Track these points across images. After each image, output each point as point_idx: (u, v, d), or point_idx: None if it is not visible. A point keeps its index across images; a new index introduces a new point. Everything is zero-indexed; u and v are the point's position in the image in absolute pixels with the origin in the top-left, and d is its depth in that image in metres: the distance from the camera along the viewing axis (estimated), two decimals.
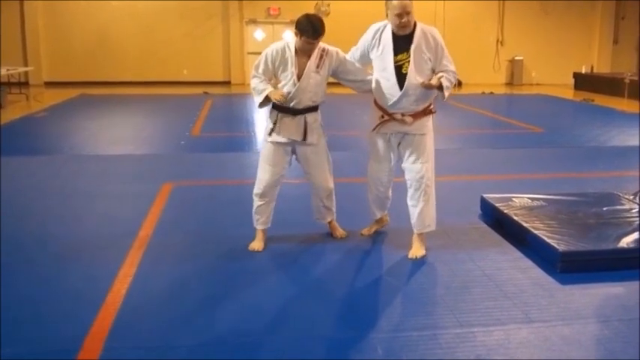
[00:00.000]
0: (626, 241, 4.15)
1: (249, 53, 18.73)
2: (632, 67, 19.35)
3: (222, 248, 4.36)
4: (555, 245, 4.03)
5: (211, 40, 18.59)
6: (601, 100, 14.97)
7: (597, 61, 20.33)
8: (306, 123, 4.21)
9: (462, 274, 3.96)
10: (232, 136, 9.63)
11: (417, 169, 4.17)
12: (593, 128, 10.72)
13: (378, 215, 4.60)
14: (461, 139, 9.07)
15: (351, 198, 5.04)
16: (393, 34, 4.04)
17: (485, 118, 12.48)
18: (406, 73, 4.00)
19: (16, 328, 3.16)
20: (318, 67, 4.15)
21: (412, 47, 3.99)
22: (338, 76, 4.34)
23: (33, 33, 17.58)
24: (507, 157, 8.05)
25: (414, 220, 4.26)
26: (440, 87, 3.97)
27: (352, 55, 4.33)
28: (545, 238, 4.16)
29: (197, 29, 18.31)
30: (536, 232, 4.29)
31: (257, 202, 4.34)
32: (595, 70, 19.46)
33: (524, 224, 4.46)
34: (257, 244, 4.33)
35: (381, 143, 4.29)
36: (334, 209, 4.53)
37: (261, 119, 10.97)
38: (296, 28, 4.05)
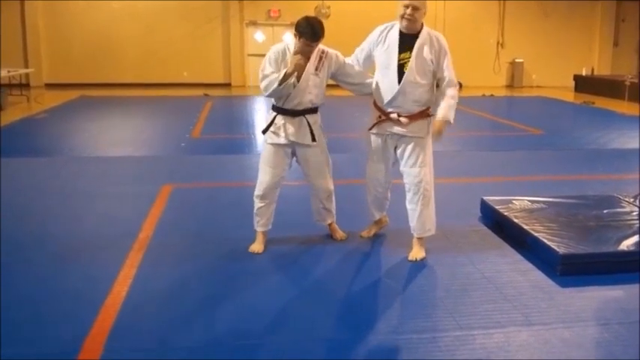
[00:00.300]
0: (627, 244, 4.15)
1: (249, 55, 18.74)
2: (632, 69, 19.34)
3: (222, 250, 4.36)
4: (555, 248, 4.03)
5: (211, 42, 18.60)
6: (601, 103, 14.98)
7: (597, 63, 20.33)
8: (309, 125, 4.22)
9: (461, 276, 3.96)
10: (232, 138, 9.63)
11: (415, 172, 4.17)
12: (593, 131, 10.72)
13: (377, 216, 4.60)
14: (460, 142, 9.07)
15: (350, 200, 5.04)
16: (400, 33, 4.06)
17: (485, 120, 12.49)
18: (406, 72, 4.03)
19: (16, 329, 3.17)
20: (317, 69, 4.16)
21: (415, 46, 4.01)
22: (337, 79, 4.35)
23: (34, 35, 17.59)
24: (507, 159, 8.05)
25: (413, 223, 4.26)
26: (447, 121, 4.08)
27: (356, 56, 4.34)
28: (546, 241, 4.16)
29: (197, 31, 18.32)
30: (536, 234, 4.29)
31: (257, 203, 4.35)
32: (595, 73, 19.46)
33: (525, 227, 4.46)
34: (257, 247, 4.33)
35: (378, 144, 4.30)
36: (334, 211, 4.53)
37: (261, 121, 10.97)
38: (296, 30, 4.06)
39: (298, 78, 4.08)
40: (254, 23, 18.87)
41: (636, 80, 15.49)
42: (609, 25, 20.51)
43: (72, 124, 10.87)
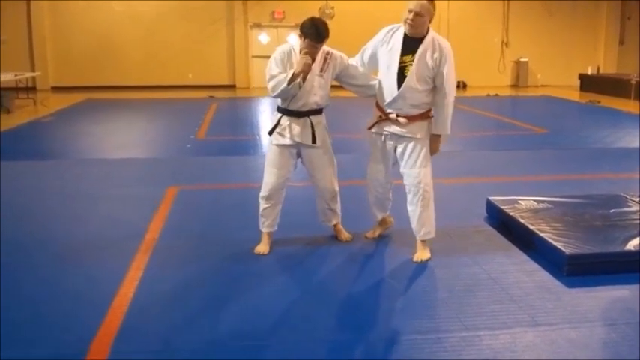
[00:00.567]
0: (633, 244, 4.13)
1: (253, 57, 18.77)
2: (638, 67, 19.28)
3: (227, 251, 4.37)
4: (562, 248, 4.02)
5: (216, 44, 18.63)
6: (607, 102, 14.93)
7: (603, 62, 20.27)
8: (312, 126, 4.22)
9: (467, 277, 3.95)
10: (237, 140, 9.64)
11: (415, 174, 4.17)
12: (599, 130, 10.69)
13: (379, 217, 4.60)
14: (465, 142, 9.06)
15: (355, 201, 5.03)
16: (405, 36, 4.06)
17: (489, 120, 12.47)
18: (407, 76, 4.02)
19: (23, 331, 3.18)
20: (321, 70, 4.17)
21: (418, 51, 4.01)
22: (341, 80, 4.36)
23: (40, 38, 17.66)
24: (512, 159, 8.03)
25: (414, 225, 4.26)
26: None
27: (361, 56, 4.34)
28: (552, 241, 4.14)
29: (201, 33, 18.34)
30: (542, 234, 4.28)
31: (263, 204, 4.35)
32: (601, 71, 19.40)
33: (530, 227, 4.45)
34: (262, 247, 4.33)
35: (377, 144, 4.31)
36: (339, 212, 4.53)
37: (266, 122, 10.98)
38: (300, 31, 4.06)
39: (303, 79, 4.08)
40: (258, 25, 18.89)
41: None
42: (615, 23, 20.44)
43: (78, 127, 10.91)
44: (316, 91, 4.18)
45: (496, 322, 3.32)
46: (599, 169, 7.35)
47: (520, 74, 20.01)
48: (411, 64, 4.01)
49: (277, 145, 4.27)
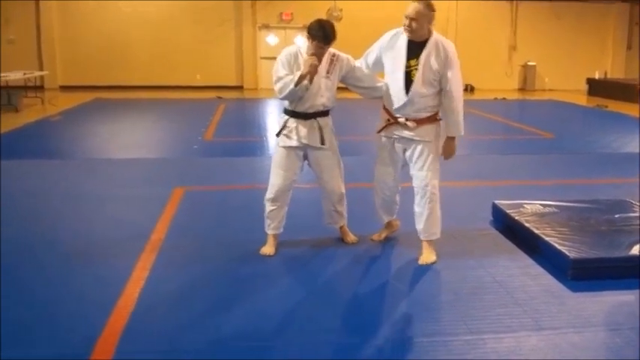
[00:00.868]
0: (638, 249, 4.12)
1: (261, 58, 18.80)
2: None
3: (233, 252, 4.38)
4: (566, 252, 4.02)
5: (224, 45, 18.68)
6: (614, 106, 14.89)
7: (611, 66, 20.23)
8: (320, 127, 4.24)
9: (472, 280, 3.96)
10: (245, 141, 9.66)
11: (422, 176, 4.18)
12: (606, 134, 10.66)
13: (386, 219, 4.61)
14: (471, 145, 9.05)
15: (362, 203, 5.04)
16: (408, 40, 4.07)
17: (496, 123, 12.45)
18: (414, 80, 4.03)
19: (28, 331, 3.20)
20: (328, 72, 4.19)
21: (422, 55, 4.01)
22: (347, 82, 4.37)
23: (48, 38, 17.76)
24: (519, 163, 8.02)
25: (419, 226, 4.28)
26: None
27: (365, 59, 4.35)
28: (557, 245, 4.15)
29: (210, 34, 18.40)
30: (547, 238, 4.28)
31: (269, 206, 4.36)
32: (608, 76, 19.35)
33: (536, 231, 4.45)
34: (268, 249, 4.35)
35: (386, 147, 4.32)
36: (345, 214, 4.54)
37: (273, 124, 11.01)
38: (308, 32, 4.08)
39: (310, 80, 4.10)
40: (266, 26, 18.93)
41: None
42: (622, 28, 20.40)
43: (85, 127, 10.96)
44: (323, 93, 4.20)
45: (501, 325, 3.33)
46: (606, 173, 7.34)
47: (527, 78, 19.99)
48: (417, 69, 4.02)
49: (284, 147, 4.29)
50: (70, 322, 3.31)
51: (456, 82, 4.06)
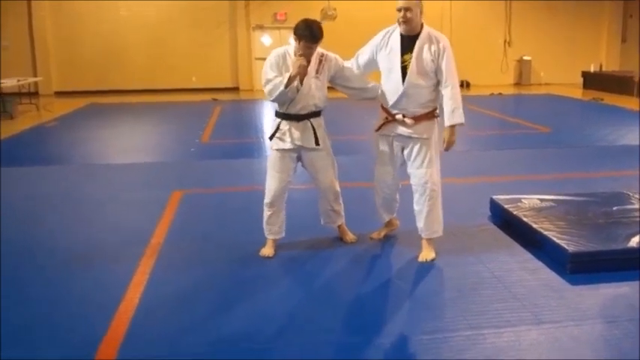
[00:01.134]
0: (636, 241, 4.14)
1: (256, 59, 18.78)
2: None
3: (232, 254, 4.39)
4: (565, 246, 4.04)
5: (219, 47, 18.66)
6: (610, 99, 14.91)
7: (606, 59, 20.24)
8: (314, 128, 4.25)
9: (471, 276, 3.97)
10: (242, 143, 9.66)
11: (421, 174, 4.19)
12: (602, 127, 10.68)
13: (386, 218, 4.62)
14: (469, 141, 9.06)
15: (360, 202, 5.06)
16: (401, 36, 4.08)
17: (493, 118, 12.46)
18: (408, 72, 4.05)
19: (29, 335, 3.21)
20: (317, 72, 4.18)
21: (415, 48, 4.04)
22: (335, 82, 4.36)
23: (42, 43, 17.71)
24: (516, 157, 8.04)
25: (420, 225, 4.28)
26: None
27: (356, 59, 4.35)
28: (555, 239, 4.16)
29: (205, 36, 18.38)
30: (545, 233, 4.30)
31: (267, 212, 4.36)
32: (604, 69, 19.37)
33: (534, 225, 4.46)
34: (268, 251, 4.35)
35: (384, 146, 4.33)
36: (343, 212, 4.55)
37: (270, 124, 11.00)
38: (295, 33, 4.08)
39: (301, 81, 4.10)
40: (261, 27, 18.92)
41: None
42: (617, 21, 20.41)
43: (82, 132, 10.95)
44: (314, 93, 4.19)
45: (500, 320, 3.35)
46: (603, 166, 7.36)
47: (523, 73, 20.00)
48: (410, 63, 4.04)
49: (278, 150, 4.28)
50: (71, 326, 3.32)
51: (451, 71, 4.07)
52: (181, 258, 4.36)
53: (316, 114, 4.29)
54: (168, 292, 3.77)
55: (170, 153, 9.03)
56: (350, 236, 4.60)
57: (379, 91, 4.29)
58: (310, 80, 4.15)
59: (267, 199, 4.35)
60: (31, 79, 15.73)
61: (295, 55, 4.11)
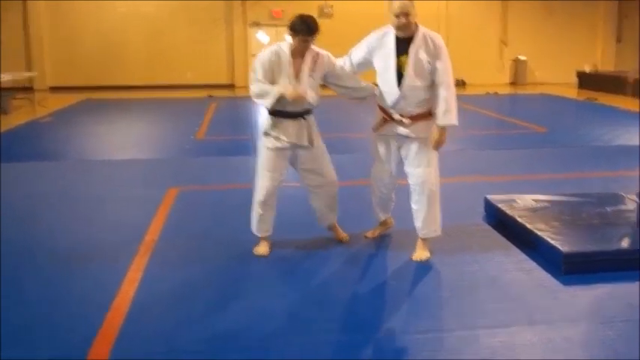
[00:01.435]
0: (630, 242, 4.16)
1: (253, 56, 18.74)
2: (635, 65, 19.29)
3: (228, 252, 4.39)
4: (559, 246, 4.05)
5: (215, 43, 18.65)
6: (605, 99, 14.96)
7: (601, 59, 20.32)
8: (309, 126, 4.24)
9: (465, 276, 3.98)
10: (237, 140, 9.65)
11: (419, 173, 4.19)
12: (596, 127, 10.72)
13: (382, 217, 4.63)
14: (464, 140, 9.07)
15: (356, 200, 5.06)
16: (396, 37, 4.08)
17: (488, 118, 12.49)
18: (405, 74, 4.04)
19: (24, 332, 3.20)
20: (312, 70, 4.17)
21: (411, 50, 4.03)
22: (327, 81, 4.33)
23: (36, 39, 17.68)
24: (511, 157, 8.06)
25: (418, 224, 4.28)
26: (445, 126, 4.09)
27: (349, 58, 4.32)
28: (549, 240, 4.17)
29: (201, 33, 18.36)
30: (539, 233, 4.30)
31: (259, 210, 4.33)
32: (598, 69, 19.43)
33: (528, 225, 4.47)
34: (263, 249, 4.34)
35: (382, 145, 4.33)
36: (337, 209, 4.53)
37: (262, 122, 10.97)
38: (291, 30, 4.07)
39: (296, 78, 4.09)
40: (257, 24, 18.90)
41: (637, 76, 15.45)
42: (612, 21, 20.48)
43: (77, 128, 10.93)
44: (308, 92, 4.18)
45: (494, 320, 3.35)
46: (597, 166, 7.38)
47: (519, 72, 20.06)
48: (407, 65, 4.04)
49: (271, 149, 4.25)
50: (66, 323, 3.31)
51: (446, 71, 4.06)
52: (177, 255, 4.35)
53: (309, 111, 4.28)
54: (163, 290, 3.76)
55: (165, 150, 9.02)
56: (343, 235, 4.58)
57: (372, 91, 4.28)
58: (305, 77, 4.14)
59: (259, 197, 4.30)
60: (25, 74, 15.68)
61: (290, 51, 4.10)
